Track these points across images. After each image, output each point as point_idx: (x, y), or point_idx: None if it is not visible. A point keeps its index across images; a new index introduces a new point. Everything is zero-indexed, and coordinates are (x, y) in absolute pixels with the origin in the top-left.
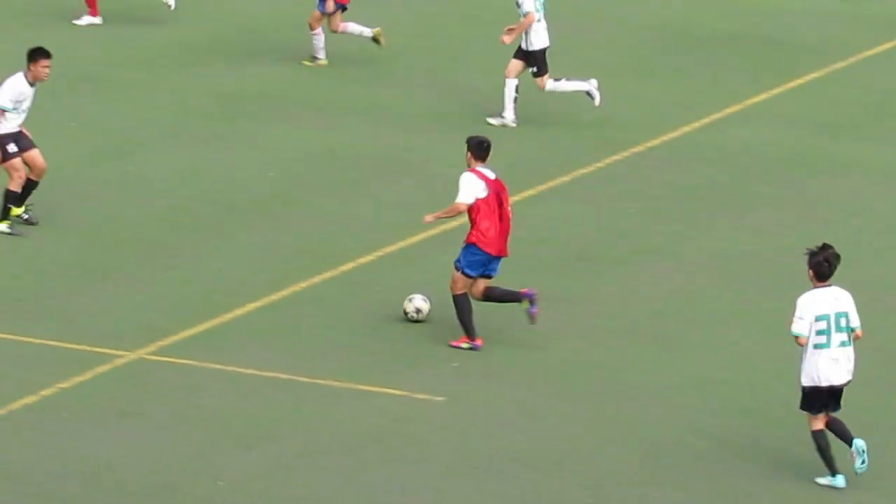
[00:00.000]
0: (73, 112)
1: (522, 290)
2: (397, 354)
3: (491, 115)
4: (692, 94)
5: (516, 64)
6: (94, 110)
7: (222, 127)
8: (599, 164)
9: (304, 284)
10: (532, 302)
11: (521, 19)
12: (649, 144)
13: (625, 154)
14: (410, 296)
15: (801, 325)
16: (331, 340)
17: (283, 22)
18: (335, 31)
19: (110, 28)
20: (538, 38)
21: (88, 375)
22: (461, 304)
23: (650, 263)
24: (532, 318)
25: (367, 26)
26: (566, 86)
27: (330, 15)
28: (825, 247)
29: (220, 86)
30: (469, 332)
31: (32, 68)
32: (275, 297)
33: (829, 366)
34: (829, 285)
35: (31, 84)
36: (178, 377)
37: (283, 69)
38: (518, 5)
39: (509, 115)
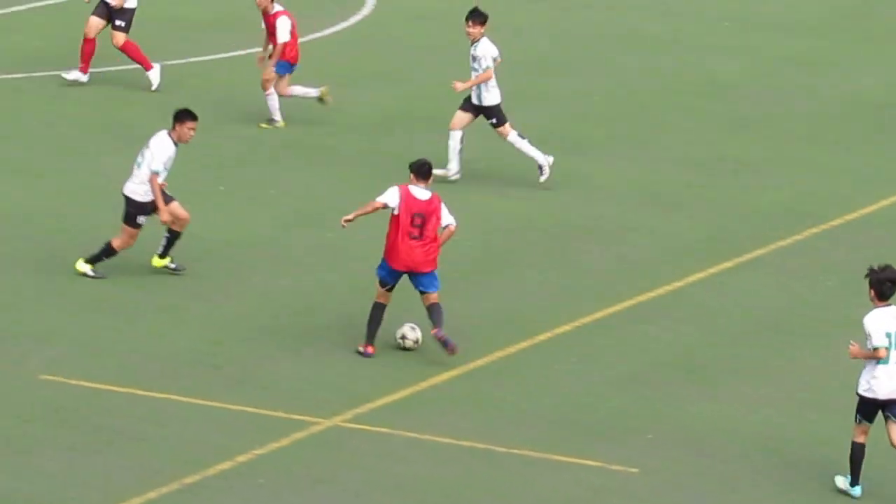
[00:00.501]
0: (273, 178)
1: (433, 331)
2: (592, 425)
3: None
4: (890, 166)
5: (462, 116)
6: (294, 176)
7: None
8: (797, 237)
9: (500, 353)
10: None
11: (480, 73)
12: (847, 217)
13: (822, 227)
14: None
15: (880, 338)
16: (526, 410)
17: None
18: (282, 96)
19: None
20: (491, 95)
21: (284, 442)
22: (371, 311)
23: (848, 336)
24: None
25: (314, 87)
26: (526, 148)
27: (279, 77)
28: (886, 267)
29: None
30: (368, 337)
31: (178, 129)
32: (472, 365)
33: (887, 382)
34: (889, 304)
35: (175, 144)
36: (373, 445)
37: (476, 139)
38: (474, 59)
39: (454, 166)
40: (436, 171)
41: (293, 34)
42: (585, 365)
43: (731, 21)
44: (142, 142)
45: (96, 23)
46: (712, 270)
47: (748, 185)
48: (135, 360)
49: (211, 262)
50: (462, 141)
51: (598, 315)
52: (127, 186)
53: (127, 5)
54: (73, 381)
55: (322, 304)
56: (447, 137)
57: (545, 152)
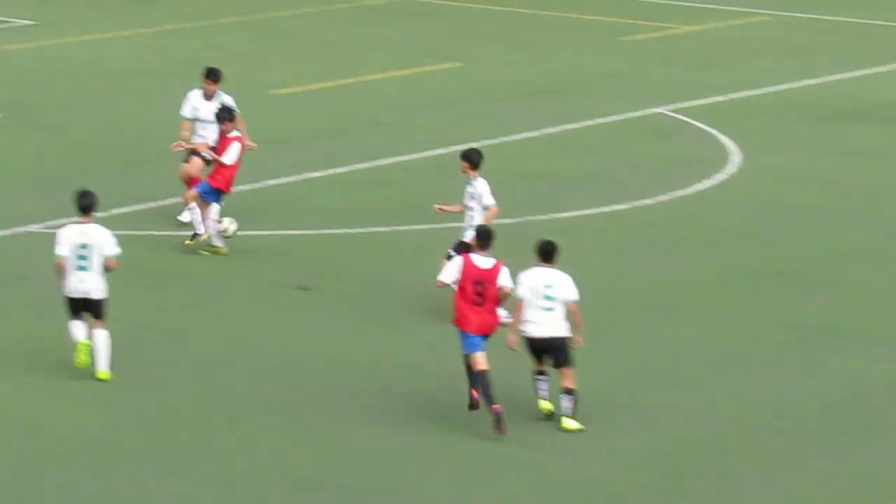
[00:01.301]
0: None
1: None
2: None
3: None
4: None
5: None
6: (663, 336)
7: (790, 355)
8: None
9: None
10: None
11: (485, 212)
12: None
13: None
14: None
15: None
16: None
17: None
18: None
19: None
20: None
21: None
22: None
23: None
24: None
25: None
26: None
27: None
28: None
29: (786, 315)
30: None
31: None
32: None
33: None
34: None
35: None
36: None
37: (848, 300)
38: (472, 196)
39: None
40: None
41: (237, 163)
42: None
43: None
44: None
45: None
46: None
47: None
48: None
49: None
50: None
51: None
52: None
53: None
54: None
55: (686, 464)
56: None
57: None
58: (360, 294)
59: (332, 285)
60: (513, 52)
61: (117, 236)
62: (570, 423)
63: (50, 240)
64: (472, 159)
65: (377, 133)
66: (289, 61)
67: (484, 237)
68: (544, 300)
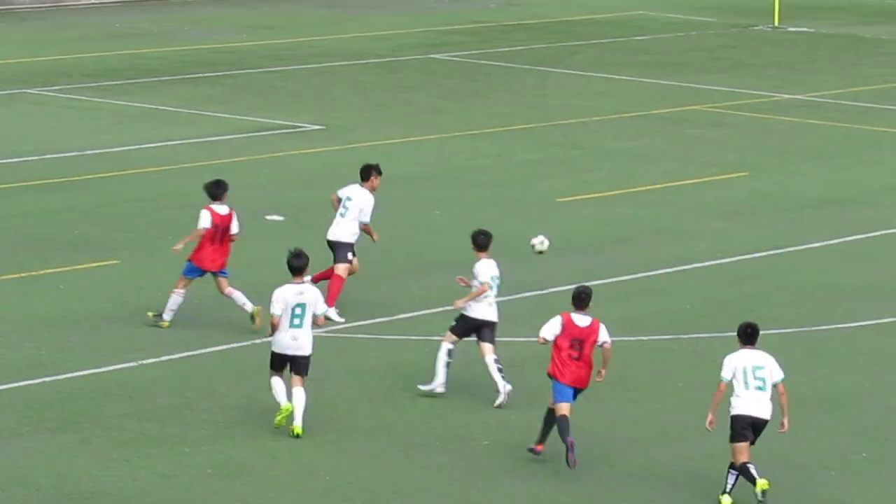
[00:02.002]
0: None
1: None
2: None
3: None
4: None
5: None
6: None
7: None
8: None
9: None
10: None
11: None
12: None
13: None
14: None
15: None
16: None
17: None
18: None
19: None
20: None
21: None
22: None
23: None
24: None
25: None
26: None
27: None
28: None
29: None
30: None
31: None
32: None
33: None
34: None
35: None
36: None
37: None
38: (475, 276)
39: (439, 379)
40: (421, 387)
41: (206, 235)
42: None
43: None
44: None
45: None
46: None
47: None
48: None
49: None
50: (450, 356)
51: None
52: None
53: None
54: None
55: None
56: None
57: None
58: (641, 400)
59: (609, 392)
60: (800, 163)
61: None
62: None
63: (331, 344)
64: (477, 241)
65: (662, 242)
66: (576, 169)
67: (580, 298)
68: (755, 380)
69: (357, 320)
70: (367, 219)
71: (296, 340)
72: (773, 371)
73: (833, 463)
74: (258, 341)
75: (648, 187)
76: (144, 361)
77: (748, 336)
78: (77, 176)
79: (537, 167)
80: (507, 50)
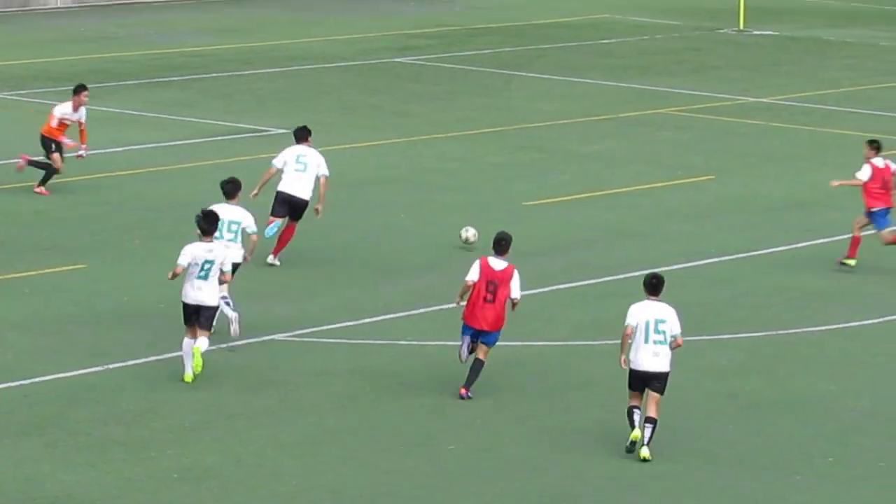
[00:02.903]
0: None
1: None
2: None
3: None
4: None
5: None
6: None
7: None
8: None
9: None
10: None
11: None
12: None
13: None
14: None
15: None
16: None
17: None
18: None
19: None
20: None
21: None
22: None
23: None
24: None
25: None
26: None
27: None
28: None
29: None
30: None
31: None
32: None
33: None
34: None
35: None
36: None
37: None
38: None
39: None
40: None
41: None
42: None
43: None
44: None
45: None
46: None
47: None
48: None
49: None
50: None
51: None
52: None
53: None
54: None
55: None
56: None
57: None
58: (607, 404)
59: (574, 395)
60: (766, 166)
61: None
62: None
63: (297, 348)
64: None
65: (628, 245)
66: (542, 172)
67: (501, 243)
68: (656, 334)
69: (323, 324)
70: (326, 171)
71: (200, 291)
72: (672, 325)
73: (800, 467)
74: (223, 346)
75: (615, 191)
76: (111, 366)
77: (653, 287)
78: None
79: (503, 170)
80: (473, 53)
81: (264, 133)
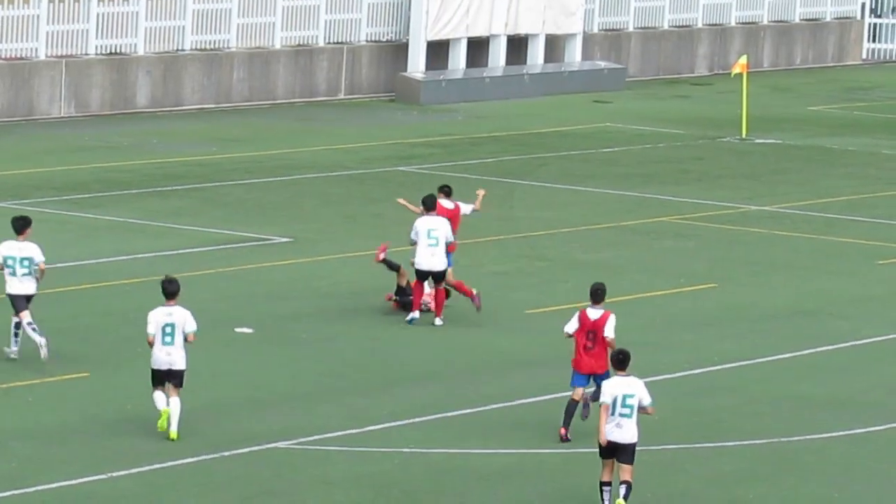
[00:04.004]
0: None
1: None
2: None
3: None
4: None
5: None
6: None
7: None
8: None
9: None
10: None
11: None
12: None
13: None
14: None
15: None
16: None
17: None
18: None
19: None
20: None
21: None
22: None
23: None
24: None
25: None
26: None
27: None
28: None
29: None
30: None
31: None
32: None
33: None
34: None
35: None
36: None
37: None
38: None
39: None
40: None
41: None
42: None
43: None
44: None
45: None
46: None
47: None
48: None
49: None
50: None
51: None
52: None
53: None
54: None
55: None
56: None
57: None
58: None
59: (578, 502)
60: (768, 274)
61: None
62: None
63: (300, 457)
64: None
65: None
66: (544, 280)
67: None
68: (623, 407)
69: (326, 432)
70: (452, 238)
71: (169, 356)
72: (642, 396)
73: None
74: (227, 453)
75: (617, 299)
76: (114, 474)
77: (619, 362)
78: (47, 289)
79: (506, 279)
80: (476, 162)
81: (267, 241)
